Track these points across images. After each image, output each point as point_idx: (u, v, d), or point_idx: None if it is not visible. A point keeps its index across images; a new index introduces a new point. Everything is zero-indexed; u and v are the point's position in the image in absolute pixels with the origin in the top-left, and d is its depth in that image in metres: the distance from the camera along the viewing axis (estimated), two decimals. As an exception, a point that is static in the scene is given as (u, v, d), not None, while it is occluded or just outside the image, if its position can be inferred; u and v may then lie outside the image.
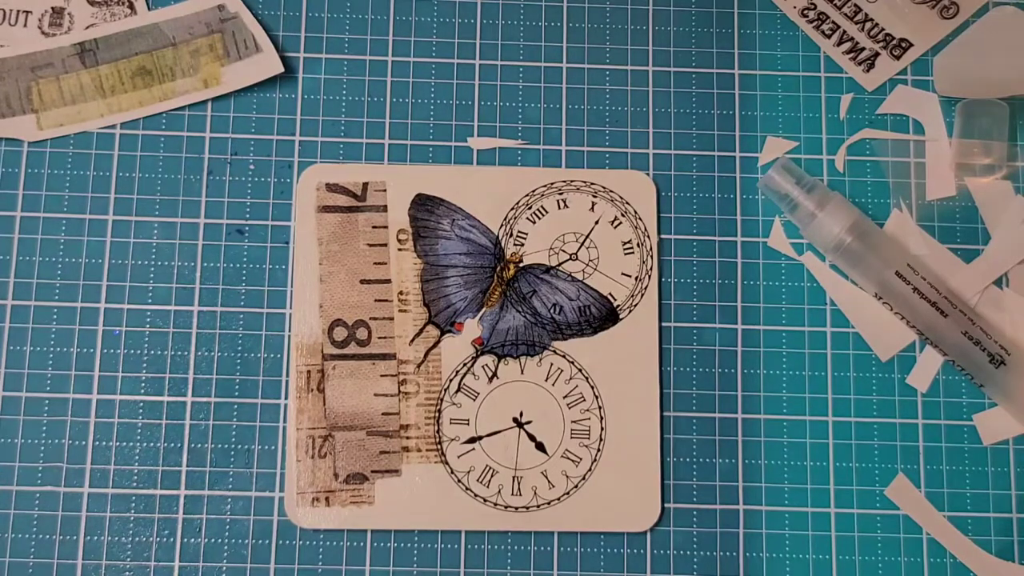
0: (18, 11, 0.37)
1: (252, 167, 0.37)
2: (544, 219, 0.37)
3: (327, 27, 0.38)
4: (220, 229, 0.37)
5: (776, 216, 0.38)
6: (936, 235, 0.38)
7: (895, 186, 0.38)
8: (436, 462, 0.35)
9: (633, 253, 0.37)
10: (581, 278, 0.37)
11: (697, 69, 0.38)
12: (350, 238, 0.36)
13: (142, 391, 0.35)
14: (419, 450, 0.35)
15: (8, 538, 0.34)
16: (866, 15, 0.39)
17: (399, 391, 0.35)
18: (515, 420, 0.35)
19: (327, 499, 0.34)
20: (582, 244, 0.37)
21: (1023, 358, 0.35)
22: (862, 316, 0.37)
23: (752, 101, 0.38)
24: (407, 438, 0.35)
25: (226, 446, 0.35)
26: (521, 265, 0.37)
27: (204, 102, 0.37)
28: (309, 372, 0.35)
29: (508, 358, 0.36)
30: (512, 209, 0.37)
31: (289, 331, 0.36)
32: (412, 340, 0.36)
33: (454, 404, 0.35)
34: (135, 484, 0.35)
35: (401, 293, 0.36)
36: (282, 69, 0.37)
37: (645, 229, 0.37)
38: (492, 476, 0.35)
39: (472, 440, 0.35)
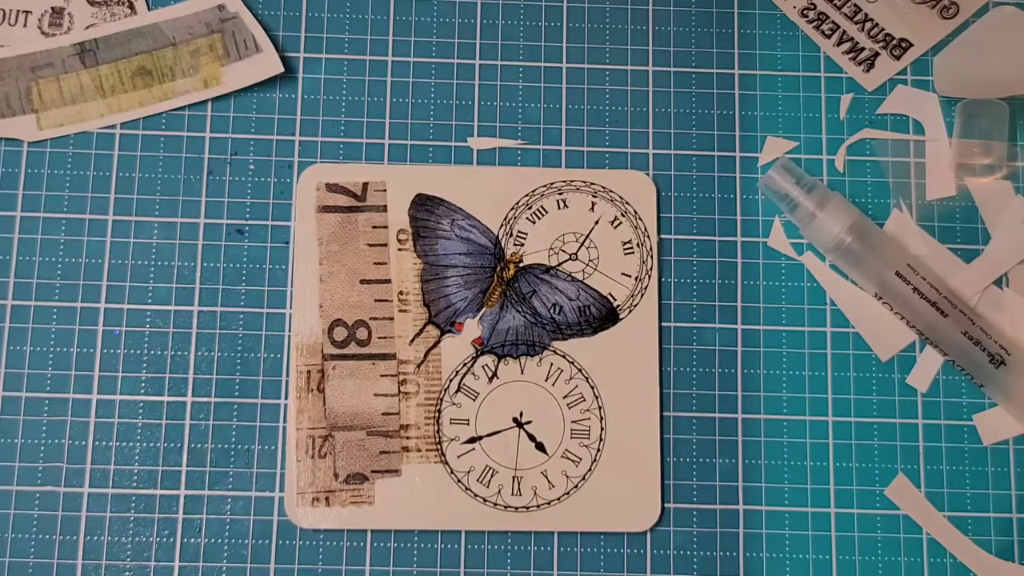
0: (18, 11, 0.37)
1: (252, 167, 0.37)
2: (544, 219, 0.37)
3: (327, 27, 0.38)
4: (220, 229, 0.37)
5: (776, 216, 0.38)
6: (936, 235, 0.38)
7: (895, 186, 0.38)
8: (436, 462, 0.35)
9: (633, 253, 0.37)
10: (581, 278, 0.37)
11: (697, 69, 0.38)
12: (350, 238, 0.36)
13: (142, 391, 0.35)
14: (419, 450, 0.35)
15: (8, 538, 0.34)
16: (866, 15, 0.39)
17: (399, 391, 0.35)
18: (515, 420, 0.35)
19: (327, 499, 0.34)
20: (582, 244, 0.37)
21: (1023, 358, 0.35)
22: (862, 316, 0.37)
23: (752, 101, 0.38)
24: (407, 438, 0.35)
25: (226, 446, 0.35)
26: (521, 265, 0.37)
27: (204, 102, 0.37)
28: (309, 372, 0.35)
29: (508, 358, 0.36)
30: (512, 209, 0.37)
31: (289, 331, 0.36)
32: (412, 340, 0.36)
33: (454, 404, 0.35)
34: (135, 484, 0.35)
35: (401, 293, 0.36)
36: (282, 69, 0.37)
37: (645, 229, 0.37)
38: (492, 476, 0.35)
39: (472, 440, 0.35)
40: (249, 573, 0.34)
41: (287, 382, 0.35)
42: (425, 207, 0.37)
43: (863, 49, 0.39)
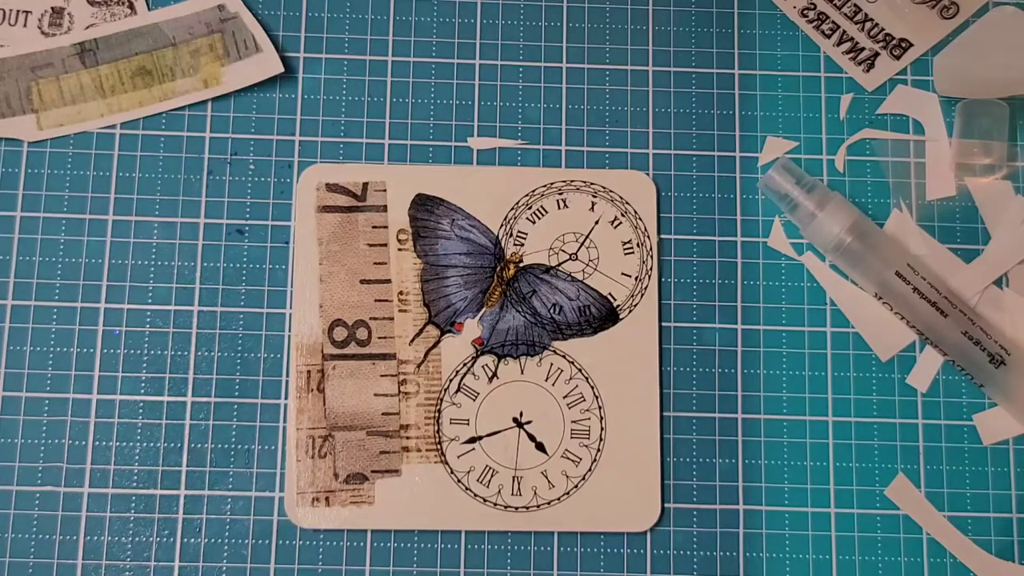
0: (18, 11, 0.37)
1: (252, 167, 0.37)
2: (544, 219, 0.37)
3: (327, 27, 0.38)
4: (220, 229, 0.37)
5: (776, 216, 0.38)
6: (936, 235, 0.38)
7: (895, 186, 0.38)
8: (436, 462, 0.35)
9: (633, 253, 0.37)
10: (581, 278, 0.37)
11: (697, 69, 0.38)
12: (350, 238, 0.36)
13: (142, 391, 0.35)
14: (419, 450, 0.35)
15: (8, 538, 0.34)
16: (866, 15, 0.39)
17: (399, 391, 0.35)
18: (515, 420, 0.35)
19: (327, 499, 0.34)
20: (582, 244, 0.37)
21: (1023, 358, 0.35)
22: (862, 316, 0.37)
23: (752, 101, 0.38)
24: (407, 438, 0.35)
25: (226, 446, 0.35)
26: (521, 265, 0.37)
27: (204, 102, 0.37)
28: (309, 372, 0.35)
29: (508, 358, 0.36)
30: (512, 209, 0.37)
31: (289, 331, 0.36)
32: (412, 340, 0.36)
33: (454, 404, 0.35)
34: (135, 484, 0.35)
35: (401, 293, 0.36)
36: (282, 69, 0.37)
37: (645, 229, 0.37)
38: (492, 476, 0.35)
39: (472, 440, 0.35)
40: (249, 573, 0.34)
41: (287, 382, 0.35)
42: (425, 207, 0.37)
43: (863, 49, 0.39)
